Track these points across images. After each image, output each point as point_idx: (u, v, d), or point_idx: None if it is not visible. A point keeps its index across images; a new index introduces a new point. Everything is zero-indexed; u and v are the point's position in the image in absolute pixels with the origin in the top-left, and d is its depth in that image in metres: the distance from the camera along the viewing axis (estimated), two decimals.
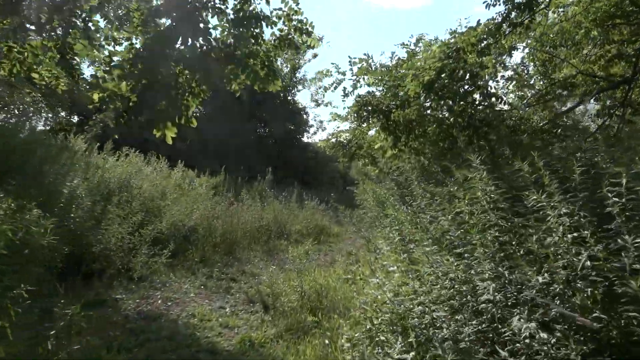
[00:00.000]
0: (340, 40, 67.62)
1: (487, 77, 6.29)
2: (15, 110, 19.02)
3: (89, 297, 5.60)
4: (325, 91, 7.63)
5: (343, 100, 7.75)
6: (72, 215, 6.56)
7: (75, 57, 7.37)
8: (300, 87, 26.52)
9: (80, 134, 14.65)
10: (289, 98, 26.09)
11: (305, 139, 26.73)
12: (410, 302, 3.43)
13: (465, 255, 3.37)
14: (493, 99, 6.12)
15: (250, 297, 6.33)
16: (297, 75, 26.24)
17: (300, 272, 6.36)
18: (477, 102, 6.13)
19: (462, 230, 3.61)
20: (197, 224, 8.79)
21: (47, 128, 21.70)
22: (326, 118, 28.53)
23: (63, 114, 24.03)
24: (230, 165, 19.61)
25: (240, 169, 18.92)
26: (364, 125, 7.31)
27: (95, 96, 5.92)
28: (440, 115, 6.41)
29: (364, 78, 7.17)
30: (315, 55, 26.21)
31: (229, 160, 20.55)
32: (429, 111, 6.67)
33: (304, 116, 26.31)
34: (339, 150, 8.18)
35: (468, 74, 5.76)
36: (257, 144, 23.62)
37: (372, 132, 8.32)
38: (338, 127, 8.18)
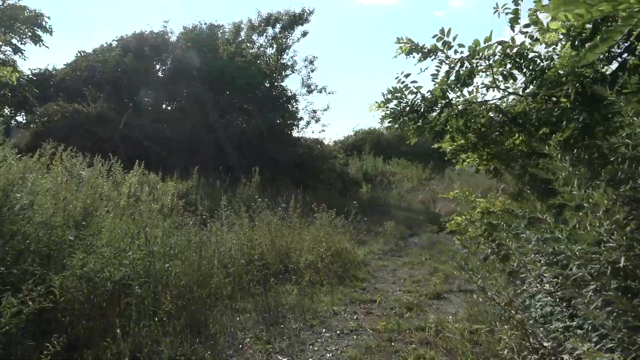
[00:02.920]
0: (326, 36, 63.98)
1: None
2: None
3: None
4: None
5: None
6: None
7: None
8: (288, 71, 22.32)
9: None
10: (276, 84, 21.94)
11: (295, 133, 22.61)
12: None
13: None
14: None
15: None
16: (285, 57, 22.08)
17: None
18: None
19: None
20: (134, 274, 4.69)
21: None
22: (321, 106, 24.08)
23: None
24: (206, 165, 15.52)
25: (219, 169, 14.82)
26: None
27: None
28: None
29: None
30: (305, 34, 22.08)
31: (204, 160, 16.44)
32: None
33: (294, 105, 22.17)
34: (410, 119, 4.16)
35: None
36: (239, 140, 19.47)
37: None
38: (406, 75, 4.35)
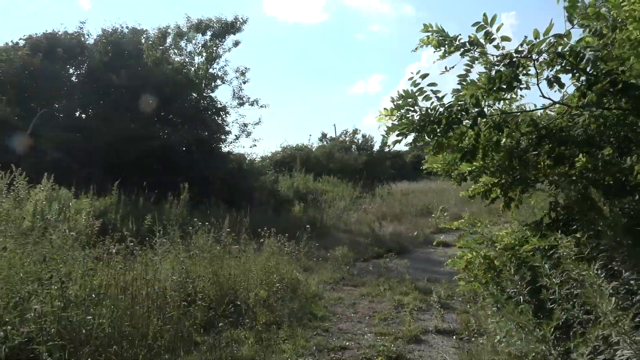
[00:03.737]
0: (249, 51, 63.24)
1: None
2: None
3: None
4: None
5: None
6: None
7: None
8: (218, 82, 20.96)
9: None
10: (205, 94, 20.53)
11: (225, 148, 21.19)
12: None
13: None
14: None
15: None
16: (215, 67, 20.77)
17: None
18: None
19: None
20: (41, 333, 3.40)
21: None
22: (252, 120, 22.43)
23: None
24: (127, 180, 13.89)
25: (142, 185, 13.25)
26: None
27: None
28: None
29: None
30: (237, 43, 20.95)
31: (125, 174, 14.77)
32: None
33: (224, 118, 20.80)
34: (429, 132, 3.23)
35: None
36: (165, 153, 17.89)
37: None
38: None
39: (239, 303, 5.90)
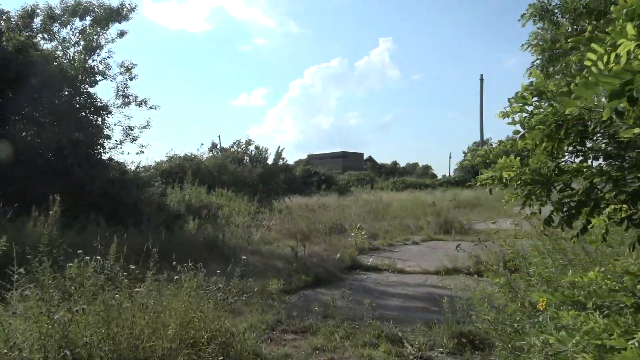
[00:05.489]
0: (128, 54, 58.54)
1: None
2: None
3: None
4: None
5: None
6: None
7: None
8: (99, 77, 17.73)
9: None
10: (82, 90, 17.23)
11: (105, 154, 17.90)
12: None
13: None
14: None
15: None
16: (96, 58, 17.57)
17: None
18: None
19: None
20: None
21: None
22: (139, 122, 18.94)
23: None
24: None
25: None
26: None
27: None
28: None
29: None
30: (122, 34, 18.00)
31: None
32: None
33: (103, 118, 17.53)
34: None
35: None
36: (29, 158, 14.51)
37: None
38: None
39: None
